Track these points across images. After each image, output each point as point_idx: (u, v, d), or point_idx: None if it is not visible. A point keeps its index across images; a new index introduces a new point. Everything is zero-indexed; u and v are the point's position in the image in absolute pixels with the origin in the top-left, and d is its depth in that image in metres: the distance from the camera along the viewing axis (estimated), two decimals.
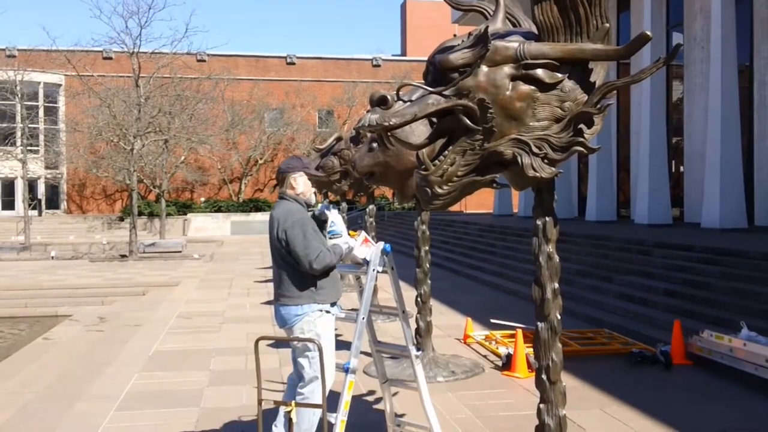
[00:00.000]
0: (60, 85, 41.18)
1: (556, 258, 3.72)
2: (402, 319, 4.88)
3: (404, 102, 3.68)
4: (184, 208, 40.10)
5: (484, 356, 8.20)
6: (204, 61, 39.26)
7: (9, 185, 40.97)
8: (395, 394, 5.72)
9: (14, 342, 12.28)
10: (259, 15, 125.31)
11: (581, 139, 3.51)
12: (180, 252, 24.07)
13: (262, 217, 39.35)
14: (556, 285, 3.72)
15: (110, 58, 38.83)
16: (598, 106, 3.45)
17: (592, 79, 3.52)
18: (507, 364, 7.49)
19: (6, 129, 38.50)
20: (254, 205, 40.71)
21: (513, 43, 3.48)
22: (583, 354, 7.97)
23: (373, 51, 52.90)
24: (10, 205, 40.94)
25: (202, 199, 42.39)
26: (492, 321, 9.74)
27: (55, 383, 7.63)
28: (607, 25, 3.42)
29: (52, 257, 23.26)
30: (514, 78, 3.45)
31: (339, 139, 12.56)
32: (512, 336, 8.01)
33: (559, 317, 3.72)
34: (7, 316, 14.60)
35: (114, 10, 23.55)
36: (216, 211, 39.94)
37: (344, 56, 47.50)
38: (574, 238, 15.22)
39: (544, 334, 3.71)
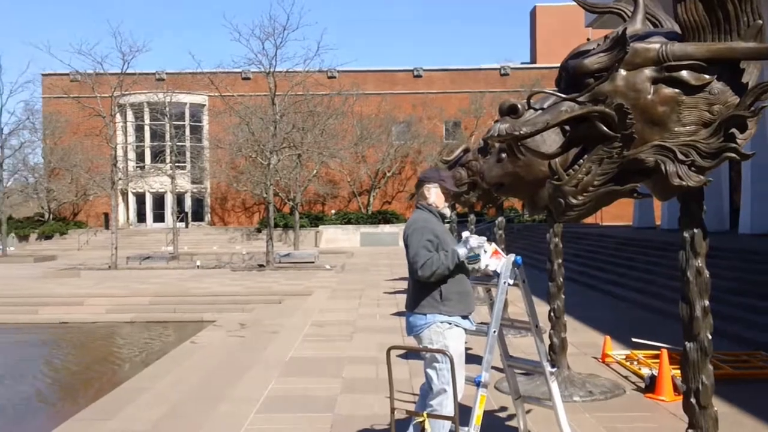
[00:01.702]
0: (204, 105, 43.93)
1: (706, 273, 3.49)
2: (535, 334, 4.76)
3: (535, 110, 3.60)
4: (316, 220, 41.43)
5: (625, 377, 7.80)
6: (334, 77, 40.51)
7: (159, 199, 44.15)
8: (529, 411, 5.57)
9: (164, 345, 13.18)
10: (387, 29, 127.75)
11: (733, 145, 3.28)
12: (313, 262, 24.87)
13: (390, 229, 39.91)
14: (706, 302, 3.48)
15: (248, 79, 40.98)
16: (752, 108, 3.22)
17: (744, 80, 3.28)
18: (651, 386, 7.08)
19: (157, 147, 41.64)
20: (382, 217, 41.36)
21: (654, 45, 3.31)
22: (737, 377, 7.40)
23: (500, 60, 52.35)
24: (160, 217, 44.07)
25: (333, 211, 43.61)
26: (633, 340, 9.25)
27: (201, 384, 8.10)
28: (760, 21, 3.18)
29: (198, 266, 24.75)
30: (655, 81, 3.29)
31: (466, 150, 12.49)
32: (656, 356, 7.57)
33: (709, 337, 3.48)
34: (159, 320, 15.72)
35: (252, 33, 24.87)
36: (346, 223, 40.95)
37: (471, 66, 47.32)
38: (726, 253, 14.18)
39: (693, 355, 3.48)
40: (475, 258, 4.61)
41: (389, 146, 43.42)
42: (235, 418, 6.44)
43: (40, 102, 43.75)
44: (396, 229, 39.20)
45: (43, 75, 42.76)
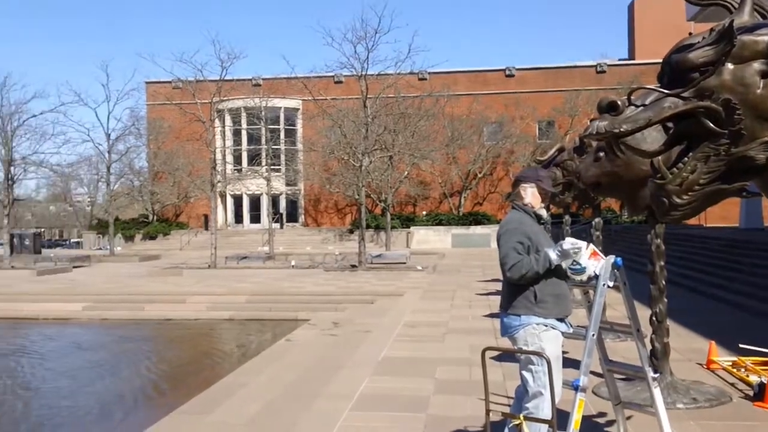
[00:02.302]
0: (298, 109, 45.01)
1: None
2: (637, 338, 4.60)
3: (636, 107, 3.49)
4: (407, 221, 41.58)
5: (732, 384, 7.43)
6: (425, 79, 40.55)
7: (255, 201, 45.58)
8: (629, 417, 5.40)
9: (261, 342, 13.59)
10: (478, 29, 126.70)
11: None
12: (404, 263, 24.99)
13: (482, 230, 39.54)
14: None
15: (341, 82, 41.65)
16: None
17: None
18: (760, 394, 6.71)
19: (253, 150, 43.01)
20: (474, 219, 41.03)
21: (763, 37, 3.15)
22: None
23: (596, 57, 50.84)
24: (256, 218, 45.49)
25: (424, 212, 43.65)
26: (741, 346, 8.79)
27: (296, 381, 8.30)
28: None
29: (292, 266, 25.37)
30: (765, 75, 3.13)
31: (561, 149, 12.20)
32: (765, 363, 7.17)
33: None
34: (256, 318, 16.23)
35: (344, 37, 25.24)
36: (437, 225, 40.89)
37: (565, 64, 46.24)
38: None
39: None
40: (580, 270, 4.49)
41: (481, 147, 43.05)
42: (330, 415, 6.57)
43: (144, 109, 46.11)
44: (488, 230, 38.80)
45: (147, 83, 45.01)
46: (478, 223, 40.53)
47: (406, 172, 38.63)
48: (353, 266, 24.55)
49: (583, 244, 4.52)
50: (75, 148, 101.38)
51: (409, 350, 9.77)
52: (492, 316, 12.46)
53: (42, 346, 14.16)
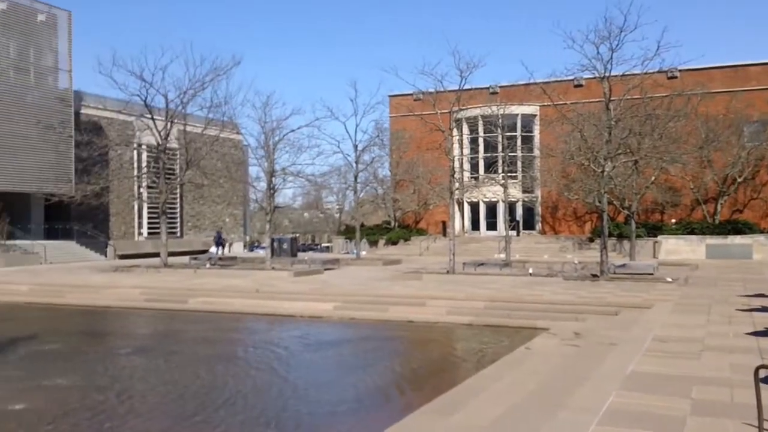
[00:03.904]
0: (535, 116, 44.33)
1: None
2: None
3: None
4: (654, 229, 38.86)
5: None
6: (675, 77, 37.61)
7: (492, 208, 45.71)
8: None
9: (498, 349, 13.48)
10: (736, 21, 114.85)
11: None
12: (651, 274, 23.34)
13: (742, 240, 35.70)
14: None
15: (580, 86, 40.24)
16: None
17: None
18: None
19: (490, 158, 43.20)
20: (732, 227, 37.09)
21: None
22: None
23: None
24: (492, 226, 45.60)
25: (674, 220, 40.46)
26: None
27: (537, 389, 8.08)
28: None
29: (530, 273, 24.94)
30: None
31: None
32: None
33: None
34: (494, 324, 16.17)
35: (586, 38, 24.14)
36: (689, 233, 37.64)
37: None
38: None
39: None
40: None
41: (740, 149, 38.85)
42: (575, 427, 6.27)
43: (388, 120, 48.58)
44: (749, 241, 34.89)
45: (390, 96, 47.36)
46: (737, 232, 36.60)
47: (653, 178, 36.11)
48: (594, 276, 23.46)
49: None
50: (327, 159, 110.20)
51: (660, 366, 9.05)
52: (757, 334, 11.13)
53: (298, 341, 15.44)
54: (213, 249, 43.13)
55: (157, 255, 33.87)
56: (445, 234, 43.65)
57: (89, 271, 29.69)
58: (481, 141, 45.15)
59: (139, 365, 12.70)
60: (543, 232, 45.39)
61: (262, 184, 32.38)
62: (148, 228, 45.35)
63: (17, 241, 36.10)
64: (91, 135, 36.32)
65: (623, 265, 24.92)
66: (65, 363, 12.66)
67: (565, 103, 31.06)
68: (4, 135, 35.32)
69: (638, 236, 36.10)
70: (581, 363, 9.58)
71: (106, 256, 40.01)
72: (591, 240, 39.19)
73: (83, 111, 41.23)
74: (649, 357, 9.72)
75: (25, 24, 36.97)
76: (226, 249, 46.61)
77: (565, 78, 29.59)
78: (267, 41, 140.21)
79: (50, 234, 39.65)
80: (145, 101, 31.96)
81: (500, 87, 44.74)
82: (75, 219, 40.08)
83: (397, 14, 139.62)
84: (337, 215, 71.77)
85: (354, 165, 39.12)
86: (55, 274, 28.10)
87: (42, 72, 38.04)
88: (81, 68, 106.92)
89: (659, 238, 37.71)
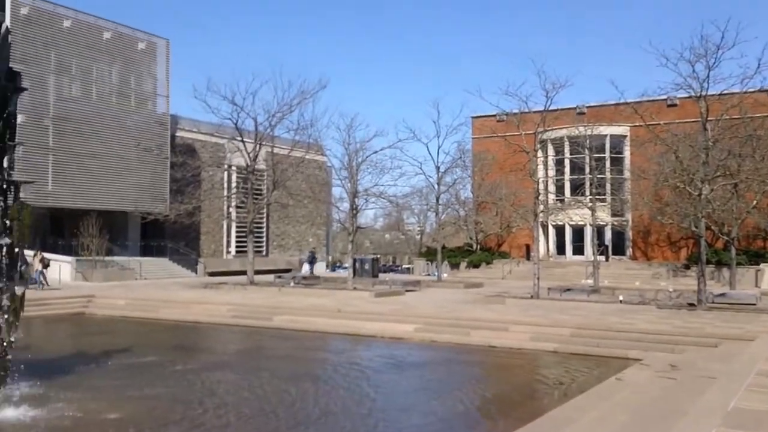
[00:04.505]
0: (625, 136, 42.98)
1: None
2: None
3: None
4: (756, 257, 36.78)
5: None
6: None
7: (578, 231, 44.45)
8: None
9: (587, 379, 12.96)
10: None
11: None
12: (753, 305, 21.99)
13: None
14: None
15: (674, 105, 38.79)
16: None
17: None
18: None
19: (577, 180, 42.14)
20: None
21: None
22: None
23: None
24: (579, 250, 44.30)
25: None
26: None
27: (630, 423, 7.67)
28: None
29: (620, 301, 23.98)
30: None
31: None
32: None
33: None
34: (581, 353, 15.60)
35: (680, 56, 23.21)
36: None
37: None
38: None
39: None
40: None
41: None
42: None
43: (470, 142, 48.27)
44: None
45: (473, 117, 47.08)
46: None
47: (754, 202, 34.14)
48: (691, 305, 22.31)
49: None
50: (409, 181, 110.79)
51: (765, 403, 8.42)
52: None
53: (381, 362, 15.36)
54: (306, 267, 44.25)
55: (243, 273, 34.72)
56: (528, 258, 42.76)
57: (180, 287, 30.71)
58: (567, 162, 44.15)
59: (230, 380, 12.96)
60: (634, 258, 43.74)
61: (345, 205, 32.73)
62: (236, 246, 46.65)
63: (115, 258, 37.82)
64: (185, 157, 37.85)
65: (722, 295, 23.60)
66: (159, 376, 13.06)
67: (659, 124, 29.98)
68: (106, 157, 37.24)
69: (739, 264, 34.18)
70: (678, 397, 9.05)
71: (196, 272, 41.35)
72: (686, 267, 37.45)
73: (178, 134, 43.04)
74: (753, 393, 9.08)
75: (127, 52, 39.03)
76: (303, 269, 47.38)
77: (658, 97, 28.63)
78: (352, 64, 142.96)
79: (146, 251, 41.38)
80: (236, 124, 33.02)
81: (588, 107, 43.70)
82: (169, 237, 41.69)
83: (480, 34, 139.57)
84: (418, 237, 71.67)
85: (436, 186, 39.01)
86: (150, 289, 29.22)
87: (142, 97, 39.99)
88: (176, 93, 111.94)
89: (762, 266, 35.64)
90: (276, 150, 35.69)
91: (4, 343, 10.36)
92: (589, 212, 34.29)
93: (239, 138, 33.34)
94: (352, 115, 47.92)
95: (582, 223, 41.95)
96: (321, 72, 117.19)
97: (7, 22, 30.16)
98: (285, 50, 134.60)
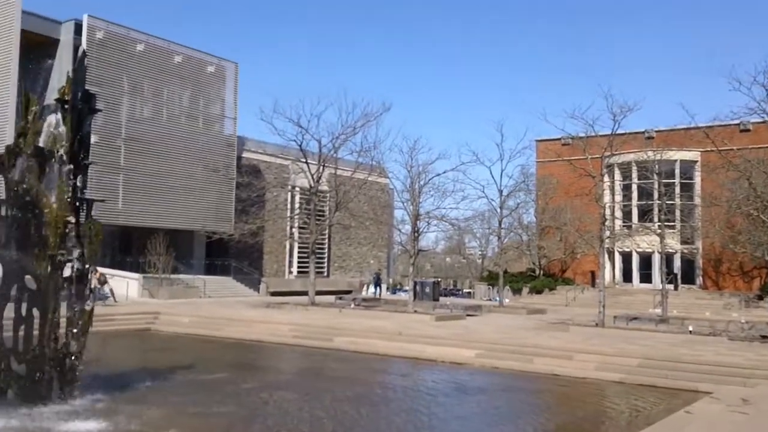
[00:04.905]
0: (696, 162, 41.74)
1: None
2: None
3: None
4: None
5: None
6: None
7: (646, 259, 43.15)
8: None
9: (654, 411, 12.49)
10: None
11: None
12: None
13: None
14: None
15: (747, 130, 37.48)
16: None
17: None
18: None
19: (645, 206, 41.03)
20: None
21: None
22: None
23: None
24: (647, 278, 42.98)
25: None
26: None
27: None
28: None
29: (690, 332, 23.11)
30: None
31: None
32: None
33: None
34: (648, 384, 15.07)
35: (754, 80, 22.48)
36: None
37: None
38: None
39: None
40: None
41: None
42: None
43: (534, 166, 47.65)
44: None
45: (537, 141, 46.53)
46: None
47: None
48: (764, 337, 21.32)
49: None
50: (471, 204, 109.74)
51: None
52: None
53: (443, 387, 15.21)
54: (372, 289, 44.41)
55: (305, 293, 35.04)
56: (593, 284, 41.71)
57: (243, 306, 31.20)
58: (634, 188, 43.10)
59: (292, 399, 13.06)
60: (704, 287, 42.15)
61: (407, 228, 32.79)
62: (298, 267, 47.18)
63: (181, 275, 38.73)
64: (250, 177, 38.69)
65: None
66: (222, 393, 13.23)
67: (731, 149, 29.01)
68: (175, 177, 38.38)
69: None
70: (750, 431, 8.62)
71: (258, 292, 41.96)
72: (760, 298, 35.88)
73: (244, 155, 44.02)
74: None
75: (197, 75, 40.30)
76: (369, 290, 47.49)
77: (730, 122, 27.73)
78: (416, 86, 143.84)
79: (210, 269, 42.28)
80: (300, 146, 33.55)
81: (657, 131, 42.60)
82: (233, 256, 42.52)
83: (545, 57, 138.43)
84: (480, 261, 70.95)
85: (498, 210, 38.60)
86: (213, 307, 29.78)
87: (210, 119, 41.16)
88: (243, 114, 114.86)
89: None
90: (339, 172, 36.08)
91: (74, 357, 10.72)
92: (658, 239, 33.27)
93: (303, 159, 33.85)
94: (415, 138, 48.15)
95: (650, 250, 40.73)
96: (385, 95, 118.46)
97: (84, 45, 31.62)
98: (349, 73, 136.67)
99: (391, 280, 57.85)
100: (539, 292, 44.01)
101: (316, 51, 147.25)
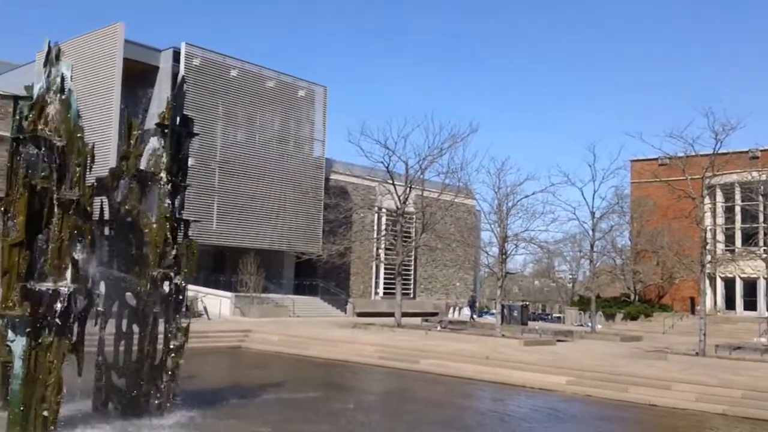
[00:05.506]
0: None
1: None
2: None
3: None
4: None
5: None
6: None
7: (751, 285, 40.76)
8: None
9: None
10: None
11: None
12: None
13: None
14: None
15: None
16: None
17: None
18: None
19: (749, 229, 38.84)
20: None
21: None
22: None
23: None
24: (751, 305, 40.57)
25: None
26: None
27: None
28: None
29: None
30: None
31: None
32: None
33: None
34: (755, 417, 14.16)
35: None
36: None
37: None
38: None
39: None
40: None
41: None
42: None
43: (628, 187, 46.08)
44: None
45: (632, 161, 45.00)
46: None
47: None
48: None
49: None
50: (561, 226, 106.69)
51: None
52: None
53: (533, 414, 14.77)
54: (466, 311, 44.41)
55: (391, 314, 35.04)
56: (693, 311, 39.76)
57: (331, 325, 31.49)
58: (738, 210, 40.94)
59: (380, 420, 13.02)
60: None
61: (494, 250, 32.25)
62: (384, 288, 47.31)
63: (270, 294, 39.59)
64: (338, 199, 39.26)
65: None
66: (316, 412, 13.31)
67: None
68: (266, 198, 39.45)
69: None
70: None
71: (345, 312, 42.32)
72: None
73: (332, 177, 44.77)
74: None
75: (288, 99, 41.43)
76: (456, 313, 47.03)
77: None
78: (504, 108, 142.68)
79: (298, 289, 43.03)
80: (387, 167, 33.77)
81: (761, 150, 40.37)
82: (320, 276, 43.15)
83: (638, 74, 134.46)
84: (570, 285, 68.94)
85: (590, 233, 37.43)
86: (302, 326, 30.21)
87: (300, 142, 42.16)
88: (331, 136, 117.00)
89: None
90: (426, 193, 36.07)
91: (170, 372, 11.05)
92: (764, 264, 31.39)
93: (390, 181, 34.04)
94: (503, 159, 47.54)
95: (755, 275, 38.48)
96: (472, 115, 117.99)
97: (182, 72, 33.09)
98: (437, 94, 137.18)
99: (477, 303, 57.10)
100: (634, 318, 42.28)
101: (403, 75, 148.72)
